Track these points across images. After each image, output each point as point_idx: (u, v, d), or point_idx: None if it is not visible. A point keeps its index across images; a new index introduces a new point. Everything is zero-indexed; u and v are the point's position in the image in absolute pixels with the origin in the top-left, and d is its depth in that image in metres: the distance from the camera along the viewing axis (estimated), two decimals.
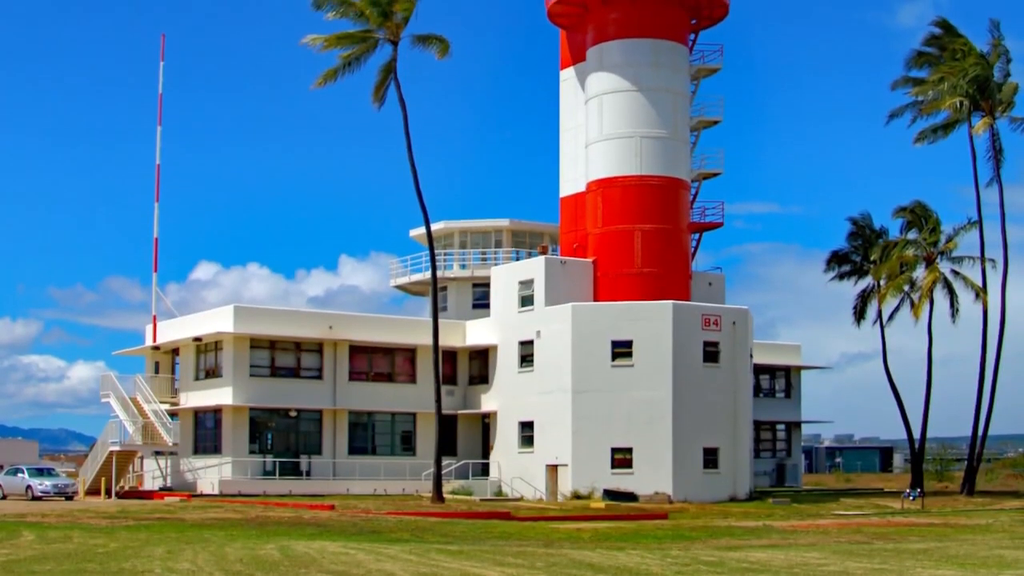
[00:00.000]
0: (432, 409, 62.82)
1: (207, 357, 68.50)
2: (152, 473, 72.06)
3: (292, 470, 66.51)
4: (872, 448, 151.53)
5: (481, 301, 75.70)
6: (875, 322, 75.55)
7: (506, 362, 69.25)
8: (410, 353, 70.74)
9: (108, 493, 65.43)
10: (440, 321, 63.28)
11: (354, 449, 68.62)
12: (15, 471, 65.19)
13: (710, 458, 63.82)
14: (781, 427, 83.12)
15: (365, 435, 69.32)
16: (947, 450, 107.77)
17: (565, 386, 64.53)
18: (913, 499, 64.18)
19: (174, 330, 70.79)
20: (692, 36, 71.77)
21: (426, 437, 68.90)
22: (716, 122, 72.55)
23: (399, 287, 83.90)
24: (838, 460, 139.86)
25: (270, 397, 66.35)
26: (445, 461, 64.78)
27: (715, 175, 72.93)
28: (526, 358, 67.80)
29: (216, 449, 66.59)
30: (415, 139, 60.77)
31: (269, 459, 66.32)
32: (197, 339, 67.41)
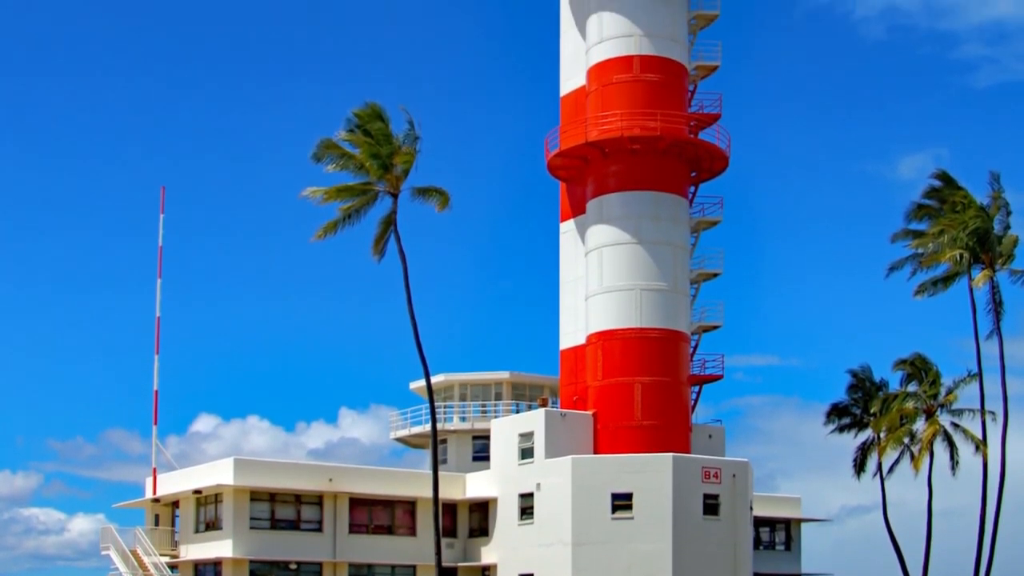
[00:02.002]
0: (432, 562, 62.30)
1: (207, 509, 68.17)
2: None
3: None
4: None
5: (481, 453, 75.47)
6: (875, 475, 75.07)
7: (506, 514, 68.83)
8: (410, 506, 70.34)
9: None
10: (440, 473, 63.01)
11: None
12: None
13: None
14: None
15: None
16: None
17: (565, 539, 64.04)
18: None
19: (174, 482, 70.57)
20: (692, 188, 72.53)
21: None
22: (716, 274, 72.94)
23: (399, 440, 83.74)
24: None
25: (270, 550, 65.87)
26: None
27: (715, 328, 73.10)
28: (526, 510, 67.41)
29: None
30: (415, 291, 61.16)
31: None
32: (197, 492, 67.15)
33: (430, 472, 62.62)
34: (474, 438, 77.30)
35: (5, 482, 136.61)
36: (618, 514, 63.37)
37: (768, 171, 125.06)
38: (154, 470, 72.39)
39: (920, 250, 72.94)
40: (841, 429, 77.01)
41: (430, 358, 61.57)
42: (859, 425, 76.38)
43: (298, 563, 66.64)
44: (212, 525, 67.32)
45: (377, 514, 69.63)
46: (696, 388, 72.50)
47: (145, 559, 67.49)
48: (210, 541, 66.72)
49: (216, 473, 66.48)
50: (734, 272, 78.73)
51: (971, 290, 71.21)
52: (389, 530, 69.83)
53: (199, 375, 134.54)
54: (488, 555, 70.19)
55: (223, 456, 69.61)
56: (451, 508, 71.55)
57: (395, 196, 61.31)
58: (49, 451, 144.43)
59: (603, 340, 68.47)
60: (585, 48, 71.74)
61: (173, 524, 72.01)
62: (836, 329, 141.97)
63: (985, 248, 70.55)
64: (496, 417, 74.99)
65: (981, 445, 70.26)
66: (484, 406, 78.95)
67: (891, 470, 74.36)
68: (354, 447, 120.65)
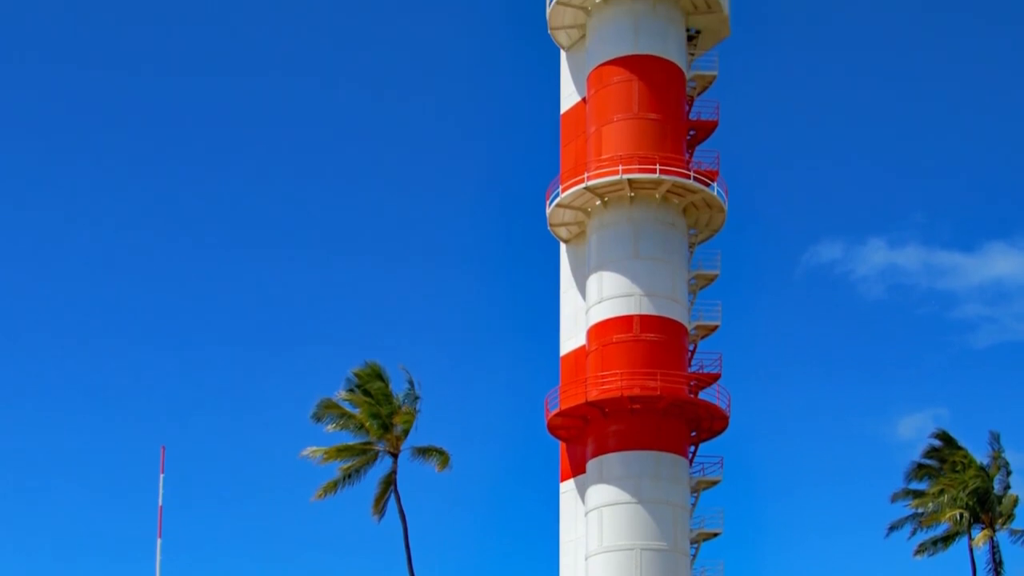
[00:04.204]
0: None
1: None
2: None
3: None
4: None
5: None
6: None
7: None
8: None
9: None
10: None
11: None
12: None
13: None
14: None
15: None
16: None
17: None
18: None
19: None
20: (692, 448, 72.66)
21: None
22: (716, 534, 72.44)
23: None
24: None
25: None
26: None
27: None
28: None
29: None
30: (415, 550, 61.00)
31: None
32: None
33: None
34: None
35: None
36: None
37: (768, 430, 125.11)
38: None
39: (920, 510, 72.62)
40: None
41: None
42: None
43: None
44: None
45: None
46: None
47: None
48: None
49: None
50: (734, 531, 78.31)
51: (971, 550, 70.70)
52: None
53: None
54: None
55: None
56: None
57: (395, 456, 61.59)
58: None
59: None
60: (585, 308, 72.81)
61: None
62: None
63: (985, 508, 70.26)
64: None
65: None
66: None
67: None
68: None
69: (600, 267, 71.91)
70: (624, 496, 68.61)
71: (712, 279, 74.16)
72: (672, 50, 73.05)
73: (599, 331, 71.32)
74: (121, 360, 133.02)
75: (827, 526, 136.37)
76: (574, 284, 75.33)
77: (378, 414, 60.96)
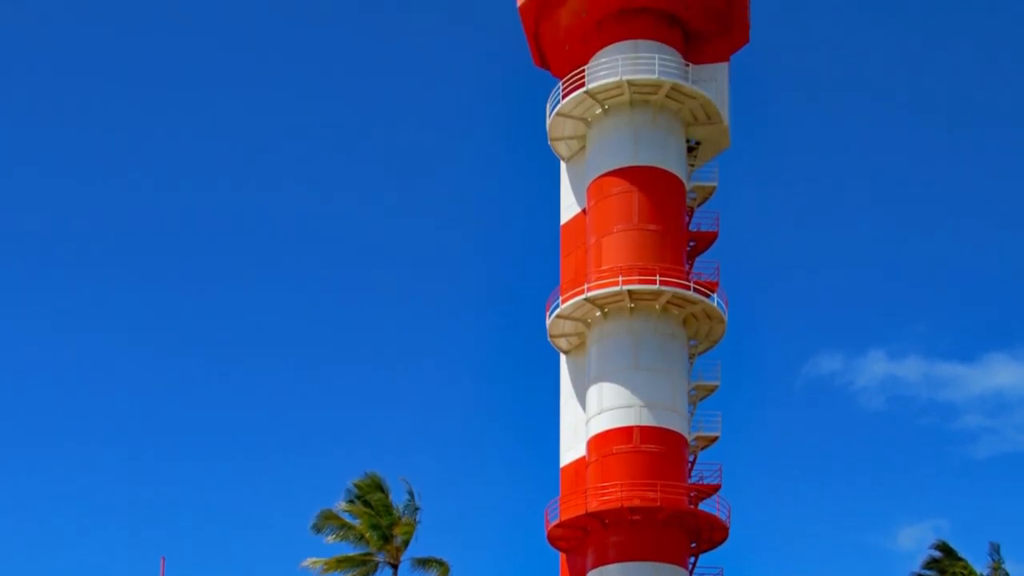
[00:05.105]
0: None
1: None
2: None
3: None
4: None
5: None
6: None
7: None
8: None
9: None
10: None
11: None
12: None
13: None
14: None
15: None
16: None
17: None
18: None
19: None
20: (692, 559, 72.35)
21: None
22: None
23: None
24: None
25: None
26: None
27: None
28: None
29: None
30: None
31: None
32: None
33: None
34: None
35: None
36: None
37: (768, 541, 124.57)
38: None
39: None
40: None
41: None
42: None
43: None
44: None
45: None
46: None
47: None
48: None
49: None
50: None
51: None
52: None
53: None
54: None
55: None
56: None
57: (395, 567, 61.48)
58: None
59: None
60: (585, 418, 72.80)
61: None
62: None
63: None
64: None
65: None
66: None
67: None
68: None
69: (600, 378, 72.03)
70: None
71: (712, 390, 74.28)
72: (672, 161, 73.67)
73: (599, 442, 71.28)
74: (121, 469, 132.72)
75: None
76: (574, 395, 75.38)
77: (378, 525, 60.95)
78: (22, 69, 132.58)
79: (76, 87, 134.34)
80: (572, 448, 74.81)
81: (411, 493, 62.03)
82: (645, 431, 70.51)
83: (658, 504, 68.48)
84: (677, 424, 71.54)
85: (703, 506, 72.05)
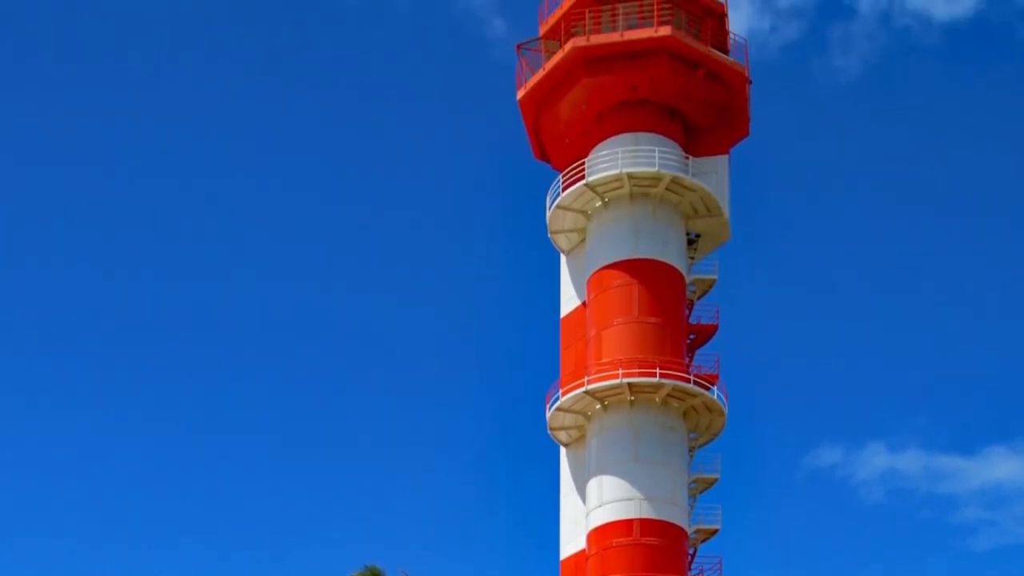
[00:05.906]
0: None
1: None
2: None
3: None
4: None
5: None
6: None
7: None
8: None
9: None
10: None
11: None
12: None
13: None
14: None
15: None
16: None
17: None
18: None
19: None
20: None
21: None
22: None
23: None
24: None
25: None
26: None
27: None
28: None
29: None
30: None
31: None
32: None
33: None
34: None
35: None
36: None
37: None
38: None
39: None
40: None
41: None
42: None
43: None
44: None
45: None
46: None
47: None
48: None
49: None
50: None
51: None
52: None
53: None
54: None
55: None
56: None
57: None
58: None
59: None
60: (585, 511, 72.37)
61: None
62: None
63: None
64: None
65: None
66: None
67: None
68: None
69: (600, 471, 71.66)
70: None
71: (712, 483, 73.91)
72: (672, 254, 73.75)
73: (599, 535, 70.83)
74: (119, 561, 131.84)
75: None
76: (574, 488, 74.96)
77: None
78: None
79: (76, 87, 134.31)
80: (572, 541, 74.29)
81: None
82: (645, 524, 70.07)
83: None
84: (677, 517, 71.12)
85: None
